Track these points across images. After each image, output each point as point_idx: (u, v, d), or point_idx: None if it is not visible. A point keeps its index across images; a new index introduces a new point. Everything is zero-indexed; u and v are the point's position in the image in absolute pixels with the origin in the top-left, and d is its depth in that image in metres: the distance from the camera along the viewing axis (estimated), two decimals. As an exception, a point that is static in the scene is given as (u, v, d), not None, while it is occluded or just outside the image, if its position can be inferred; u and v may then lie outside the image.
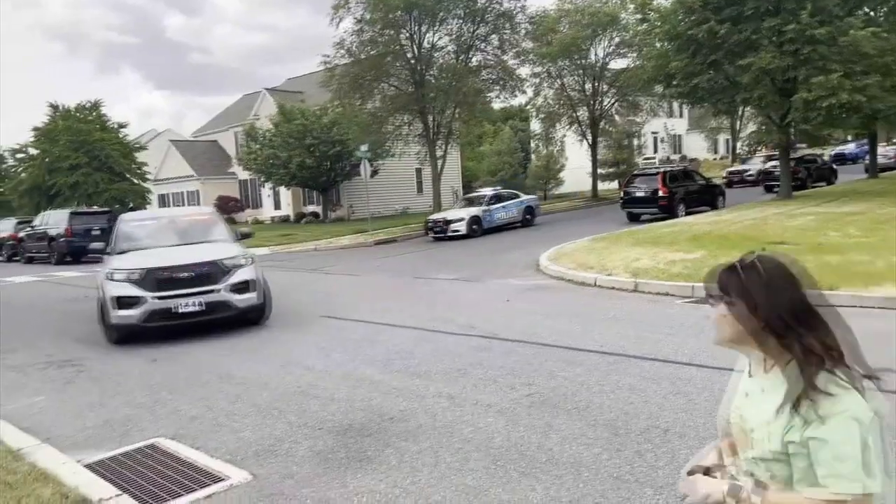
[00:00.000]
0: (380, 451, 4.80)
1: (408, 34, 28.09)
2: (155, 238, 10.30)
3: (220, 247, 10.13)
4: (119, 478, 4.57)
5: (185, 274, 9.13)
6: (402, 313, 10.33)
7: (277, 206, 43.70)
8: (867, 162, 34.37)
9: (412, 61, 28.19)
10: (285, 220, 41.59)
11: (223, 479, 4.42)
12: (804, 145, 48.10)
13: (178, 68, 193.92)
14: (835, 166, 35.25)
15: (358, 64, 27.73)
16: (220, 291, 9.26)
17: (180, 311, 9.01)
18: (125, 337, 9.15)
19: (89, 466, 4.77)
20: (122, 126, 43.37)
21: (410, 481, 4.26)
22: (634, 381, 5.97)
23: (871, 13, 25.82)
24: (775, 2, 23.02)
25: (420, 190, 39.69)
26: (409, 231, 26.85)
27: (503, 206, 25.61)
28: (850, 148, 48.44)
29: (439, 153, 29.49)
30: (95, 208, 30.64)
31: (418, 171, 38.57)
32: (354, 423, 5.40)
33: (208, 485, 4.35)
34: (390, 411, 5.63)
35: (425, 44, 28.43)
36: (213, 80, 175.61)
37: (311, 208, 40.89)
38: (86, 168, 39.17)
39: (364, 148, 26.56)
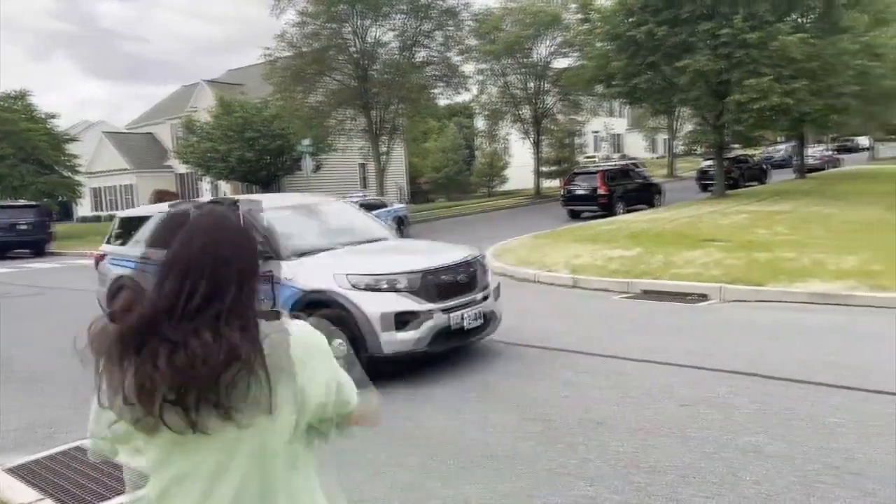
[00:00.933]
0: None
1: (351, 28, 27.85)
2: (325, 236, 7.29)
3: (433, 244, 8.29)
4: (42, 482, 4.40)
5: (462, 277, 6.62)
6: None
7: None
8: (795, 161, 35.85)
9: (356, 55, 27.96)
10: (225, 215, 40.67)
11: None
12: (738, 146, 49.77)
13: (117, 58, 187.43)
14: (765, 166, 36.64)
15: (300, 57, 27.34)
16: (482, 299, 6.87)
17: (465, 326, 6.42)
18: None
19: (10, 471, 4.58)
20: (51, 116, 41.60)
21: (344, 479, 4.23)
22: (570, 374, 6.08)
23: (800, 20, 26.88)
24: (710, 6, 23.75)
25: (364, 185, 39.43)
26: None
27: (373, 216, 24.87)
28: (781, 149, 50.39)
29: (383, 149, 29.35)
30: (22, 202, 29.34)
31: (362, 166, 38.30)
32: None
33: (137, 487, 4.22)
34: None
35: (369, 38, 28.24)
36: (155, 71, 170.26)
37: (251, 203, 40.10)
38: (11, 160, 37.46)
39: (306, 142, 26.22)
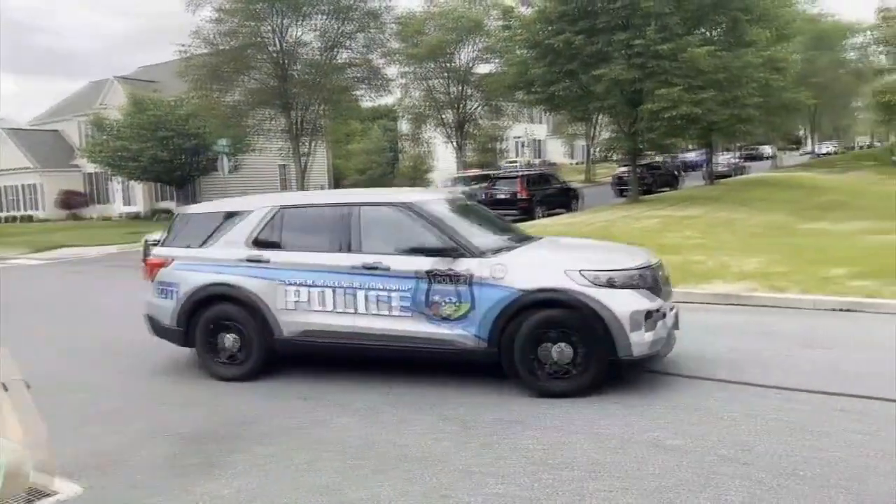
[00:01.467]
0: (227, 455, 4.66)
1: (271, 27, 27.34)
2: (488, 232, 6.61)
3: (603, 242, 8.33)
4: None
5: (662, 276, 6.11)
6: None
7: (128, 201, 41.06)
8: (704, 170, 37.58)
9: (275, 55, 27.46)
10: (136, 216, 39.17)
11: (50, 496, 4.11)
12: (653, 153, 51.70)
13: (26, 50, 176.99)
14: (676, 173, 38.21)
15: (217, 55, 26.64)
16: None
17: (668, 324, 5.79)
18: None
19: None
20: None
21: (258, 485, 4.17)
22: (491, 377, 6.17)
23: (708, 33, 28.19)
24: (625, 17, 24.58)
25: (285, 187, 38.75)
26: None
27: None
28: (692, 156, 52.66)
29: (305, 150, 28.94)
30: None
31: (283, 167, 37.62)
32: (206, 429, 5.20)
33: (32, 502, 4.03)
34: (244, 416, 5.48)
35: (289, 38, 27.79)
36: (66, 65, 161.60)
37: (165, 204, 38.76)
38: None
39: (223, 142, 25.55)
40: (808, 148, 67.82)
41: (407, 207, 6.13)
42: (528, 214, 23.80)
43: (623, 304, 5.35)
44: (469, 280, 5.62)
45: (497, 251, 5.91)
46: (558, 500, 3.78)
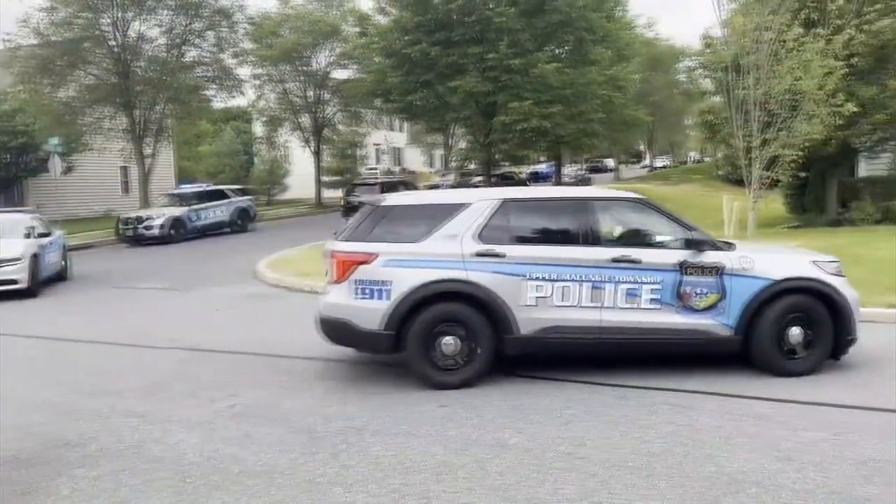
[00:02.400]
0: (50, 480, 4.26)
1: (111, 20, 25.51)
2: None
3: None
4: None
5: None
6: (94, 327, 9.32)
7: (-58, 204, 36.69)
8: (553, 180, 39.58)
9: (116, 50, 25.66)
10: (-47, 221, 35.02)
11: None
12: (507, 163, 53.67)
13: None
14: (527, 183, 39.97)
15: (48, 46, 24.47)
16: None
17: None
18: None
19: None
20: None
21: (82, 512, 3.85)
22: (336, 383, 6.12)
23: (556, 51, 29.79)
24: (479, 31, 25.44)
25: (126, 190, 36.25)
26: (110, 236, 24.28)
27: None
28: (543, 168, 55.36)
29: (148, 151, 27.22)
30: None
31: (124, 169, 35.18)
32: (22, 453, 4.73)
33: None
34: (66, 436, 5.03)
35: (132, 33, 26.07)
36: None
37: (-13, 208, 35.00)
38: None
39: (55, 141, 23.49)
40: (647, 161, 73.37)
41: (640, 202, 6.39)
42: (386, 221, 23.86)
43: (849, 290, 6.13)
44: (720, 271, 5.91)
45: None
46: (403, 505, 3.79)
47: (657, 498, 3.78)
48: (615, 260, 5.89)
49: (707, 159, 64.03)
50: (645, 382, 5.85)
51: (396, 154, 65.99)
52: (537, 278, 5.83)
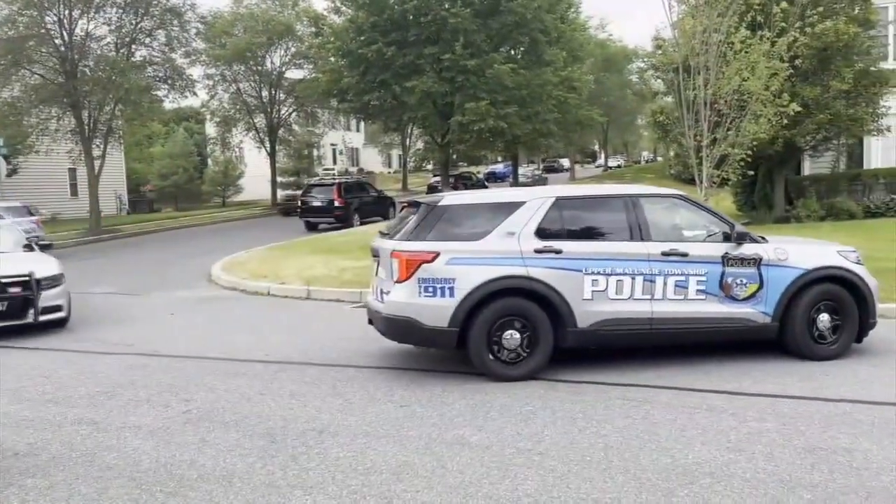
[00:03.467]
0: (-3, 493, 4.13)
1: (56, 18, 24.76)
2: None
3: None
4: None
5: None
6: (42, 333, 9.04)
7: None
8: (510, 180, 39.87)
9: (62, 49, 24.92)
10: None
11: None
12: (465, 164, 53.89)
13: None
14: (486, 182, 40.21)
15: (-10, 44, 23.65)
16: None
17: None
18: None
19: None
20: None
21: (33, 523, 3.75)
22: (296, 386, 6.06)
23: (511, 52, 30.02)
24: (435, 31, 25.48)
25: (75, 193, 35.26)
26: (57, 239, 23.59)
27: None
28: (500, 168, 55.75)
29: (97, 152, 26.51)
30: None
31: (72, 171, 34.21)
32: (-35, 466, 4.57)
33: None
34: (15, 446, 4.89)
35: (78, 31, 25.34)
36: None
37: (-74, 212, 33.64)
38: None
39: (-1, 143, 22.72)
40: (601, 161, 74.46)
41: (683, 199, 6.79)
42: (344, 222, 23.74)
43: (871, 278, 6.59)
44: (758, 262, 6.28)
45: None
46: (364, 506, 3.79)
47: (615, 491, 3.86)
48: (665, 254, 6.17)
49: (660, 159, 65.31)
50: (601, 378, 5.95)
51: (354, 154, 65.65)
52: (594, 273, 6.06)
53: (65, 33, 24.93)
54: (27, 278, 8.57)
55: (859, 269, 6.56)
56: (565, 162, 66.05)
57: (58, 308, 8.96)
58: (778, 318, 6.30)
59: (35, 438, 5.03)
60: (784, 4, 12.02)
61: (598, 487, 3.91)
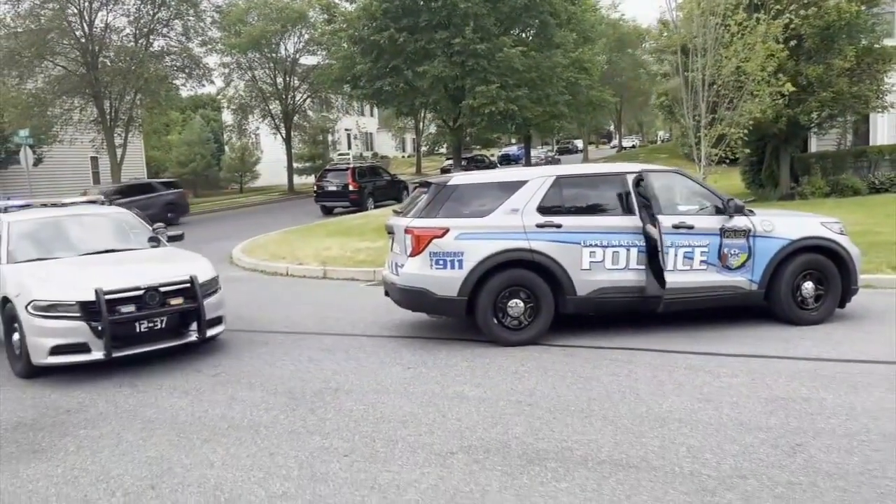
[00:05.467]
0: (56, 441, 4.76)
1: (77, 10, 25.42)
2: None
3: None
4: None
5: None
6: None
7: None
8: (523, 162, 40.16)
9: (83, 40, 25.59)
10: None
11: None
12: (478, 146, 54.17)
13: None
14: (500, 164, 40.56)
15: (14, 38, 24.35)
16: None
17: None
18: None
19: None
20: None
21: (91, 462, 4.36)
22: (313, 353, 6.65)
23: (522, 35, 30.23)
24: (446, 17, 25.79)
25: (97, 181, 36.10)
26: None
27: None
28: (514, 150, 55.95)
29: (119, 141, 27.26)
30: None
31: (94, 160, 35.05)
32: (25, 420, 5.21)
33: None
34: (67, 405, 5.52)
35: (98, 23, 26.01)
36: None
37: (-45, 202, 34.64)
38: None
39: (24, 133, 23.48)
40: (616, 142, 74.25)
41: (679, 173, 7.32)
42: (358, 206, 24.29)
43: (853, 247, 7.03)
44: (748, 233, 6.73)
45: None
46: (374, 446, 4.36)
47: (593, 434, 4.40)
48: (674, 226, 6.63)
49: (675, 139, 64.99)
50: (593, 343, 6.48)
51: (368, 139, 66.11)
52: (591, 245, 6.56)
53: (85, 25, 25.60)
54: (189, 284, 6.54)
55: (842, 239, 6.96)
56: (580, 143, 66.05)
57: (219, 321, 6.93)
58: (764, 285, 6.77)
59: (83, 398, 5.65)
60: (779, -13, 12.29)
61: (579, 431, 4.45)
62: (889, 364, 5.49)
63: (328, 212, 24.74)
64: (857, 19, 15.74)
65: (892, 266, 8.92)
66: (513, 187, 6.78)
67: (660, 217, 6.62)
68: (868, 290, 7.94)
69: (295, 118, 40.06)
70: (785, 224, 6.96)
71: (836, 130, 19.14)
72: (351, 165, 26.61)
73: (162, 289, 6.38)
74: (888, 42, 17.21)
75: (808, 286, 6.82)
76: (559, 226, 6.57)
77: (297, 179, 40.85)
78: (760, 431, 4.30)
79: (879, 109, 17.35)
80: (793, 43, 14.09)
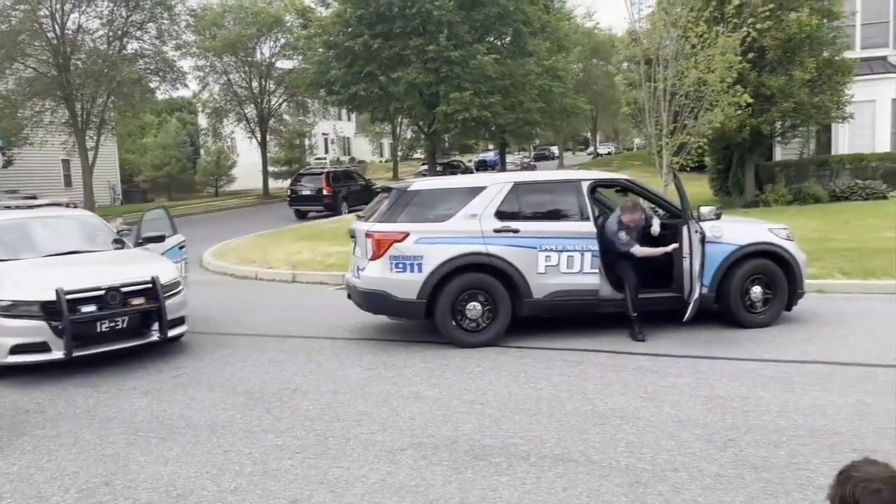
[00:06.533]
0: (13, 440, 4.82)
1: (48, 12, 25.23)
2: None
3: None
4: None
5: None
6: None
7: None
8: (499, 169, 40.47)
9: (54, 42, 25.40)
10: None
11: None
12: (456, 152, 54.34)
13: None
14: (476, 170, 40.80)
15: (-17, 39, 24.11)
16: None
17: None
18: None
19: None
20: None
21: (47, 460, 4.44)
22: (275, 355, 6.76)
23: (496, 42, 30.51)
24: (420, 24, 25.97)
25: (69, 184, 35.72)
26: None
27: None
28: (490, 156, 56.24)
29: (91, 144, 27.04)
30: None
31: (66, 162, 34.69)
32: (-17, 421, 5.26)
33: None
34: (25, 405, 5.57)
35: (70, 24, 25.83)
36: None
37: (-78, 204, 34.02)
38: None
39: (-6, 135, 23.24)
40: (592, 149, 74.98)
41: (629, 182, 7.48)
42: (332, 210, 24.35)
43: (799, 252, 7.26)
44: (703, 239, 6.78)
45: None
46: (327, 444, 4.50)
47: (538, 430, 4.57)
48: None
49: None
50: (546, 344, 6.67)
51: (345, 143, 66.06)
52: (547, 249, 6.75)
53: (57, 27, 25.41)
54: (150, 285, 6.57)
55: (788, 245, 7.19)
56: (556, 150, 66.57)
57: (181, 321, 7.00)
58: (714, 289, 6.99)
59: (42, 399, 5.71)
60: (737, 2, 12.65)
61: (525, 427, 4.62)
62: (827, 364, 5.75)
63: (302, 216, 24.76)
64: (818, 32, 16.20)
65: (844, 271, 9.24)
66: (472, 193, 6.94)
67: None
68: (818, 295, 8.24)
69: (271, 122, 39.98)
70: (733, 230, 7.17)
71: (799, 140, 19.62)
72: (326, 170, 26.66)
73: (123, 289, 6.40)
74: (849, 54, 17.70)
75: (757, 290, 7.06)
76: (516, 231, 6.75)
77: (273, 183, 40.72)
78: (697, 427, 4.51)
79: (840, 120, 17.83)
80: (754, 55, 14.45)
